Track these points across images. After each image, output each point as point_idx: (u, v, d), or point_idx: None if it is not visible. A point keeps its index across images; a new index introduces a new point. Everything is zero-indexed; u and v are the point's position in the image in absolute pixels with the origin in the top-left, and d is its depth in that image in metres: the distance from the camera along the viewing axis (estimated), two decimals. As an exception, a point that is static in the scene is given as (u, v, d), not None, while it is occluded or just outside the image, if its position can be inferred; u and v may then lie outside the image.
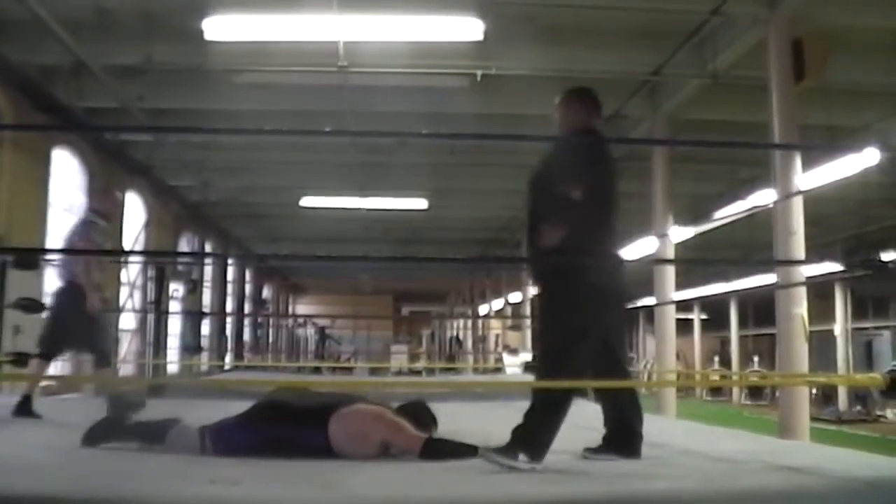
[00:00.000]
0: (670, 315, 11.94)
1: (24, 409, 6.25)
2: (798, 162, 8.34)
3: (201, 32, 8.89)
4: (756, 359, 28.20)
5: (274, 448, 4.18)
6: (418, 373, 21.27)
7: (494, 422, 6.74)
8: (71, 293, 6.50)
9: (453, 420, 5.79)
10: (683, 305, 27.15)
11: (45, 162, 12.03)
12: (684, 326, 26.39)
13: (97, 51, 9.75)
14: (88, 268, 6.55)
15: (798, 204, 8.17)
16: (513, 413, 7.64)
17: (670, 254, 11.82)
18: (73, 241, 6.73)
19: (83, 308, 6.43)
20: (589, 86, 4.78)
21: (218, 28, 8.90)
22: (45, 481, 3.47)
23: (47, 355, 6.58)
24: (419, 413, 4.66)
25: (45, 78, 10.55)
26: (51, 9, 8.54)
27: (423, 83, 11.07)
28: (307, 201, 17.28)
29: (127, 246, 14.58)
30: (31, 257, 8.24)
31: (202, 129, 12.64)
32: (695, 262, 23.90)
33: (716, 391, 28.99)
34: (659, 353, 12.11)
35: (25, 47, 9.59)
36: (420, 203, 16.81)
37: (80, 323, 6.47)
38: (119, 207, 6.99)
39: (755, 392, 26.61)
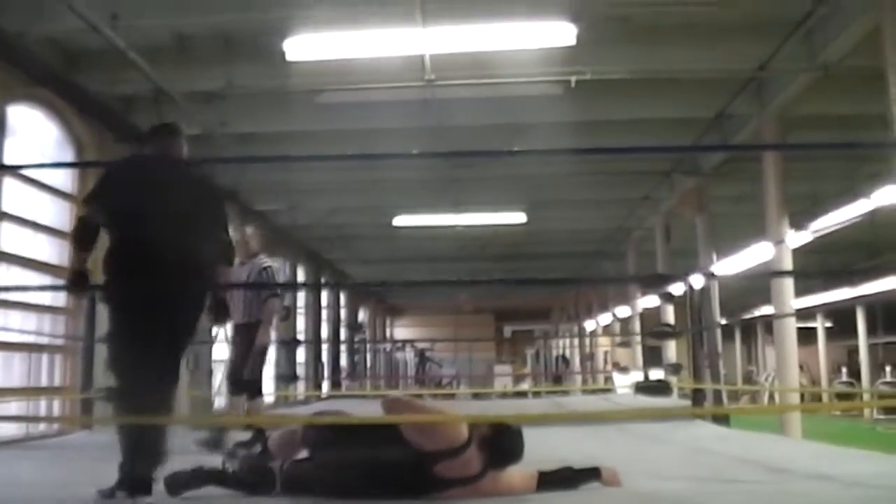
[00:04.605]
0: (791, 325, 11.18)
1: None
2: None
3: (282, 53, 8.76)
4: (889, 369, 26.62)
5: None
6: (524, 395, 20.81)
7: (603, 447, 6.40)
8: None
9: (559, 447, 5.49)
10: (805, 313, 25.83)
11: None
12: (807, 336, 25.13)
13: (177, 77, 9.69)
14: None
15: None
16: (625, 437, 7.30)
17: (787, 260, 11.07)
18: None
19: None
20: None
21: (299, 48, 8.74)
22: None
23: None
24: (505, 443, 4.20)
25: (126, 107, 10.61)
26: (128, 37, 8.47)
27: (515, 92, 10.72)
28: (400, 220, 17.01)
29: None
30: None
31: (288, 157, 12.55)
32: (814, 274, 22.81)
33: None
34: (780, 367, 11.33)
35: (104, 77, 9.61)
36: (518, 217, 16.43)
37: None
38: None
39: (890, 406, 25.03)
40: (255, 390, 7.09)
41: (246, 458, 4.41)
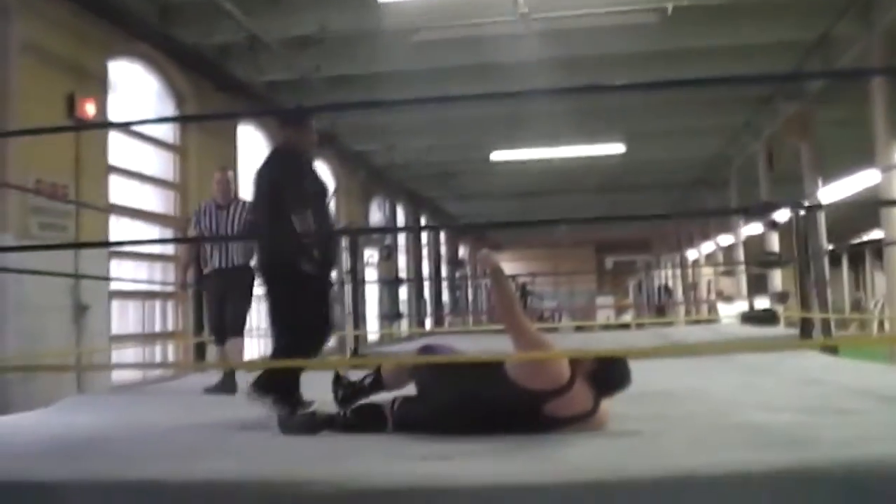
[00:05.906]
0: (901, 250, 10.76)
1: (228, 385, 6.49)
2: None
3: (375, -5, 8.76)
4: None
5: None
6: (626, 327, 20.65)
7: (710, 379, 6.33)
8: None
9: (667, 379, 5.47)
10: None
11: (231, 140, 12.06)
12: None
13: (271, 24, 9.81)
14: None
15: None
16: (732, 368, 7.20)
17: (896, 185, 10.61)
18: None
19: None
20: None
21: (391, -12, 8.74)
22: (253, 464, 3.46)
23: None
24: (611, 373, 4.15)
25: (222, 56, 10.76)
26: (221, -13, 8.65)
27: (610, 22, 10.46)
28: (497, 155, 16.96)
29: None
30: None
31: (385, 102, 12.47)
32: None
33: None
34: (889, 294, 10.96)
35: (200, 28, 9.79)
36: (617, 148, 16.19)
37: None
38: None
39: None
40: (237, 330, 6.84)
41: (357, 395, 4.53)
